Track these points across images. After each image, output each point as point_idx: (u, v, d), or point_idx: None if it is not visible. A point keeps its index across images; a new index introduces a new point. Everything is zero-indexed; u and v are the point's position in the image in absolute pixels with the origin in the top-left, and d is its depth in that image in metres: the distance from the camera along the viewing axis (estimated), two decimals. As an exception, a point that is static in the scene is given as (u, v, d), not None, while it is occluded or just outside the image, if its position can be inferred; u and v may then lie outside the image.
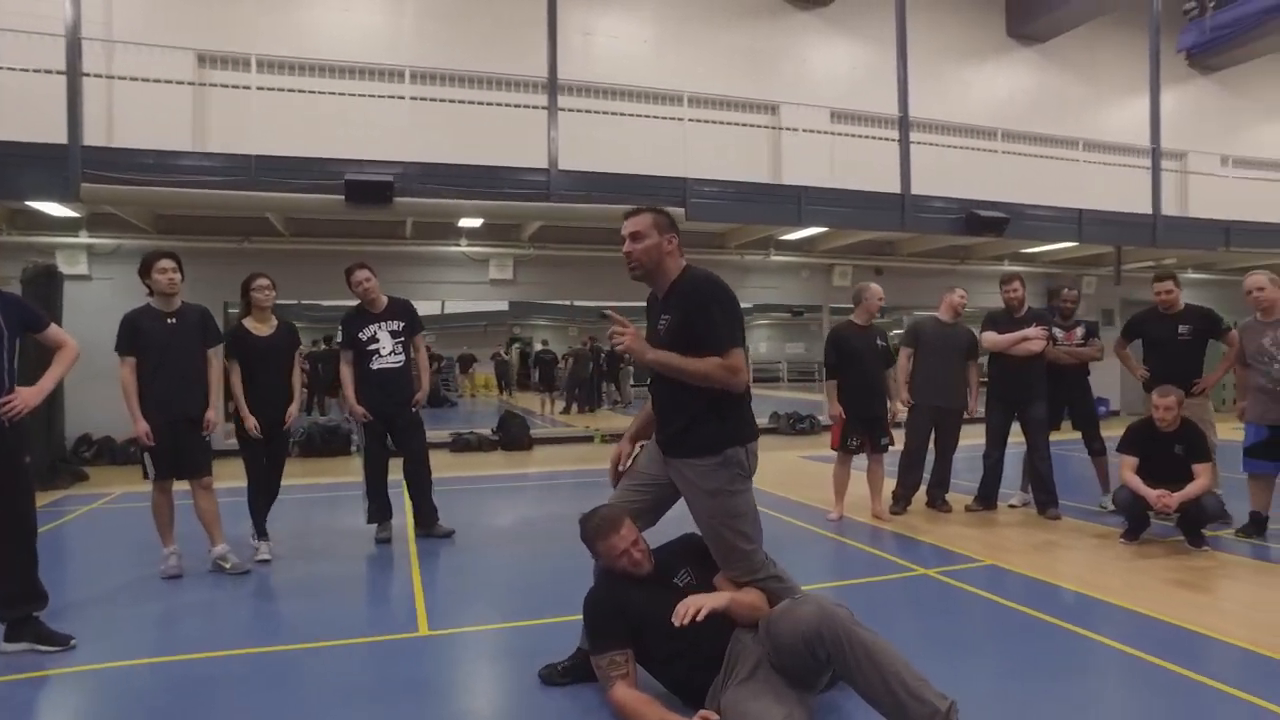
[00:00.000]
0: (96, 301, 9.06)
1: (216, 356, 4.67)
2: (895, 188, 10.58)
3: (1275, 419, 4.93)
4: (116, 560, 4.88)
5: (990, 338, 5.95)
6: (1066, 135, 12.62)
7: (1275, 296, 4.99)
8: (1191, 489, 4.64)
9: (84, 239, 9.36)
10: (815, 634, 2.25)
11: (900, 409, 5.94)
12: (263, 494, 4.88)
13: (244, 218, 9.43)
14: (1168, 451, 4.86)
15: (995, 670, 3.10)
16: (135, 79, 8.68)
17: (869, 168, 10.84)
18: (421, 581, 4.33)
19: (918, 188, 10.64)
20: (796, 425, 12.14)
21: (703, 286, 2.65)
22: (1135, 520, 4.98)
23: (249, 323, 4.89)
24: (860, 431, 5.78)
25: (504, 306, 13.14)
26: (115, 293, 9.38)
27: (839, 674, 2.33)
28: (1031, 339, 5.79)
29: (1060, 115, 13.86)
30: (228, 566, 4.49)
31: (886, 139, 11.27)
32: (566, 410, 16.55)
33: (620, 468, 2.96)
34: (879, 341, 5.83)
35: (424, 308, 14.04)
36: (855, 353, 5.75)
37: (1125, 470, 4.93)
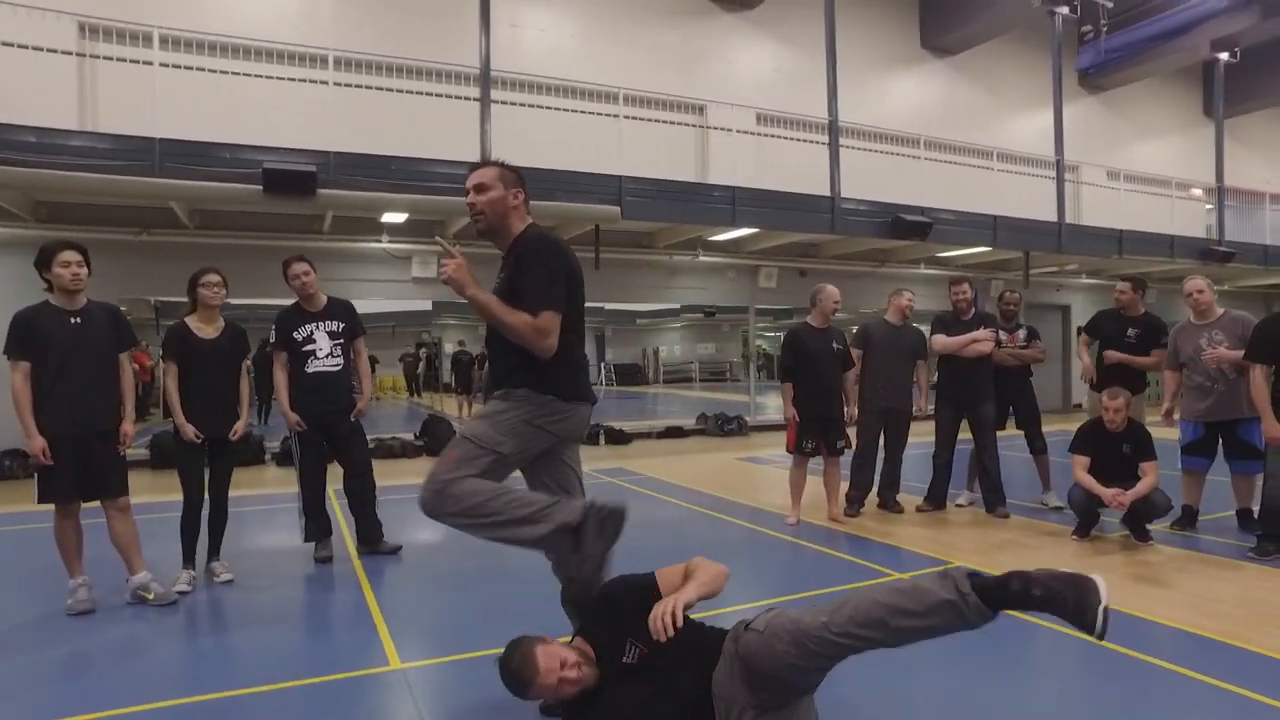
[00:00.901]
0: (-37, 297, 8.03)
1: (129, 361, 4.14)
2: (817, 190, 10.74)
3: (1208, 416, 5.19)
4: (6, 596, 4.24)
5: (941, 340, 6.04)
6: (976, 144, 13.18)
7: (1212, 299, 5.25)
8: (1142, 486, 4.80)
9: (-55, 227, 8.29)
10: (804, 656, 1.99)
11: (855, 413, 5.94)
12: (200, 514, 4.36)
13: (142, 207, 8.58)
14: (1116, 450, 5.02)
15: (972, 668, 3.05)
16: (6, 44, 7.70)
17: (792, 169, 10.96)
18: (379, 606, 3.94)
19: (843, 192, 10.83)
20: (725, 427, 12.15)
21: (536, 244, 2.57)
22: (1086, 518, 5.14)
23: (192, 322, 4.38)
24: (815, 434, 5.74)
25: (426, 306, 12.53)
26: (-15, 288, 8.37)
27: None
28: (981, 340, 5.91)
29: (967, 125, 14.49)
30: (150, 597, 3.98)
31: (813, 142, 11.45)
32: (486, 413, 16.01)
33: None
34: (835, 344, 5.81)
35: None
36: (811, 354, 5.71)
37: (1078, 469, 5.06)
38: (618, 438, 11.20)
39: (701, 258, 12.08)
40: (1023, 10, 13.20)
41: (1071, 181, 14.72)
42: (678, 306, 20.27)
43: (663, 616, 2.15)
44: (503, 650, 2.33)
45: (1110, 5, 12.72)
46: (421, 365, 23.60)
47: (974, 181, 12.80)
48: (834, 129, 10.85)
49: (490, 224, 2.62)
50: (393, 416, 16.49)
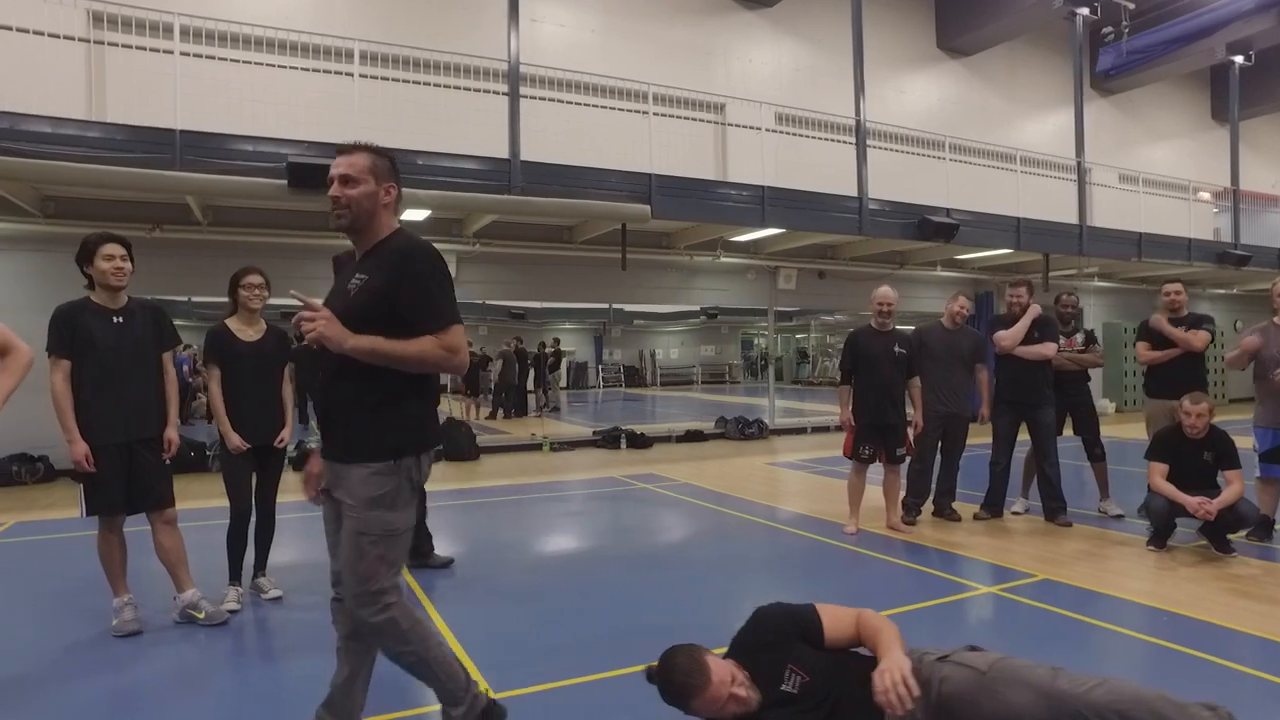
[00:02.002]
0: (-34, 295, 7.69)
1: (170, 363, 3.87)
2: (837, 189, 10.55)
3: None
4: (44, 616, 3.95)
5: (1004, 335, 5.81)
6: (998, 145, 13.06)
7: None
8: (1229, 495, 4.63)
9: (-51, 221, 7.93)
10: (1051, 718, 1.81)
11: (921, 422, 5.72)
12: (248, 526, 4.09)
13: (154, 203, 8.26)
14: (1196, 458, 4.84)
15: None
16: (11, 28, 7.34)
17: (811, 169, 10.77)
18: (448, 627, 3.68)
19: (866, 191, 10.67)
20: (745, 430, 11.92)
21: (420, 253, 2.21)
22: (1163, 527, 4.95)
23: (233, 324, 4.09)
24: (873, 440, 5.53)
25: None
26: (-10, 285, 8.03)
27: None
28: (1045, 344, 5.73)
29: (981, 126, 14.38)
30: (200, 617, 3.70)
31: (835, 140, 11.27)
32: (493, 415, 15.75)
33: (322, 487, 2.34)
34: (898, 348, 5.60)
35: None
36: (870, 357, 5.51)
37: (1155, 477, 4.87)
38: (638, 442, 10.95)
39: (723, 259, 11.86)
40: (1040, 12, 13.09)
41: (1085, 184, 14.63)
42: (695, 309, 20.05)
43: (896, 689, 1.95)
44: (659, 659, 2.21)
45: (1132, 6, 12.60)
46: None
47: (992, 183, 12.67)
48: (861, 129, 10.67)
49: (353, 223, 2.23)
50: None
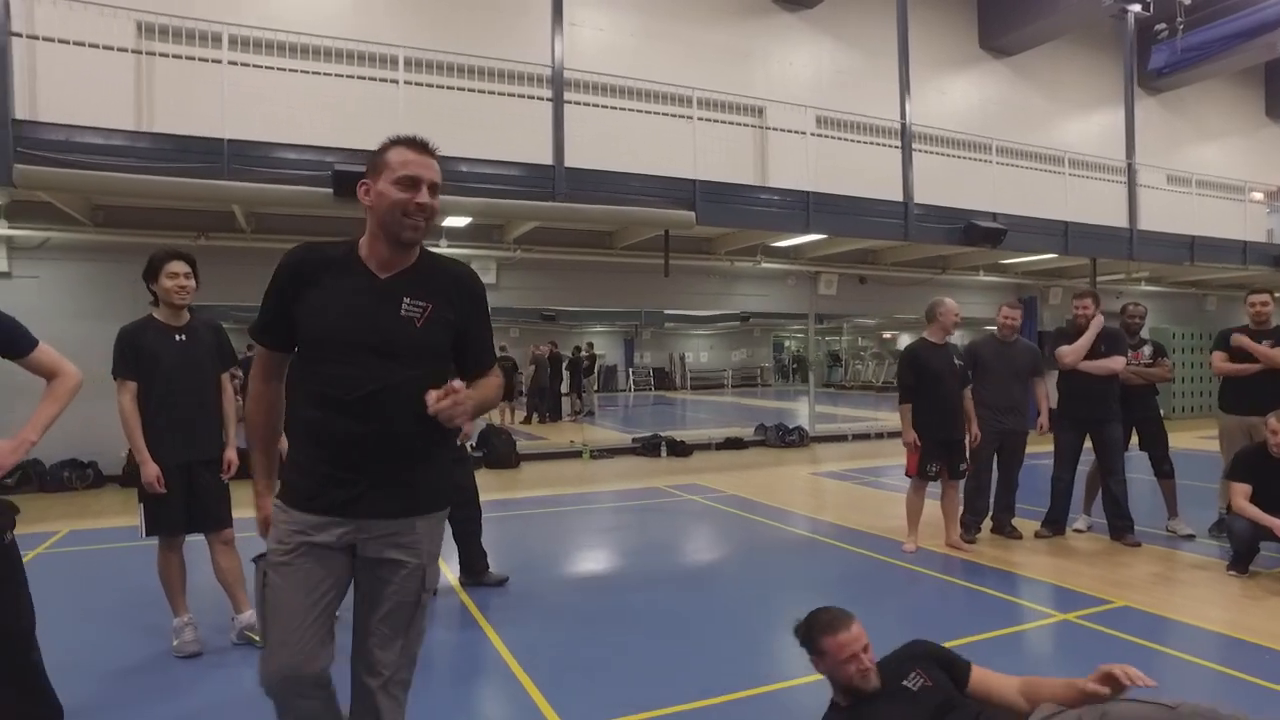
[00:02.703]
0: (18, 303, 7.62)
1: (230, 382, 3.83)
2: (880, 194, 10.34)
3: None
4: (107, 630, 3.93)
5: (1066, 351, 5.61)
6: (1036, 146, 12.74)
7: None
8: (1320, 519, 4.40)
9: (3, 230, 8.02)
10: None
11: (978, 433, 5.54)
12: None
13: (199, 211, 8.31)
14: (1282, 478, 4.62)
15: None
16: (67, 42, 7.41)
17: (853, 173, 10.56)
18: (509, 650, 3.59)
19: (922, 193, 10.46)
20: (786, 438, 11.75)
21: (477, 282, 2.03)
22: (1247, 550, 4.73)
23: None
24: (939, 457, 5.36)
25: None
26: (43, 293, 8.15)
27: None
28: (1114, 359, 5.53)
29: (1025, 126, 14.05)
30: (258, 639, 3.64)
31: (877, 144, 11.06)
32: (528, 420, 15.72)
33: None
34: (956, 360, 5.44)
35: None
36: (935, 373, 5.34)
37: (1238, 498, 4.66)
38: (679, 449, 10.83)
39: (763, 264, 11.70)
40: (1088, 9, 12.74)
41: (1144, 186, 14.25)
42: (736, 314, 19.89)
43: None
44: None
45: (1188, 2, 12.21)
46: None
47: (1038, 186, 12.36)
48: (906, 132, 10.46)
49: (424, 236, 1.92)
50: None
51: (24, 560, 2.55)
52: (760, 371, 31.21)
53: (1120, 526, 5.60)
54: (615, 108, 9.39)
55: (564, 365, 16.79)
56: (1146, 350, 6.07)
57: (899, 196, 10.40)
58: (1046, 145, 13.13)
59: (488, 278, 9.99)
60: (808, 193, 9.71)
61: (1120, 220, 12.73)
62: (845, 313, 13.59)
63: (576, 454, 10.70)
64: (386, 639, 1.95)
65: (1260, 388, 5.33)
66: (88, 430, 6.75)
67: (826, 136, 10.94)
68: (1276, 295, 5.73)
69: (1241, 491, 4.67)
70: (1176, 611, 4.09)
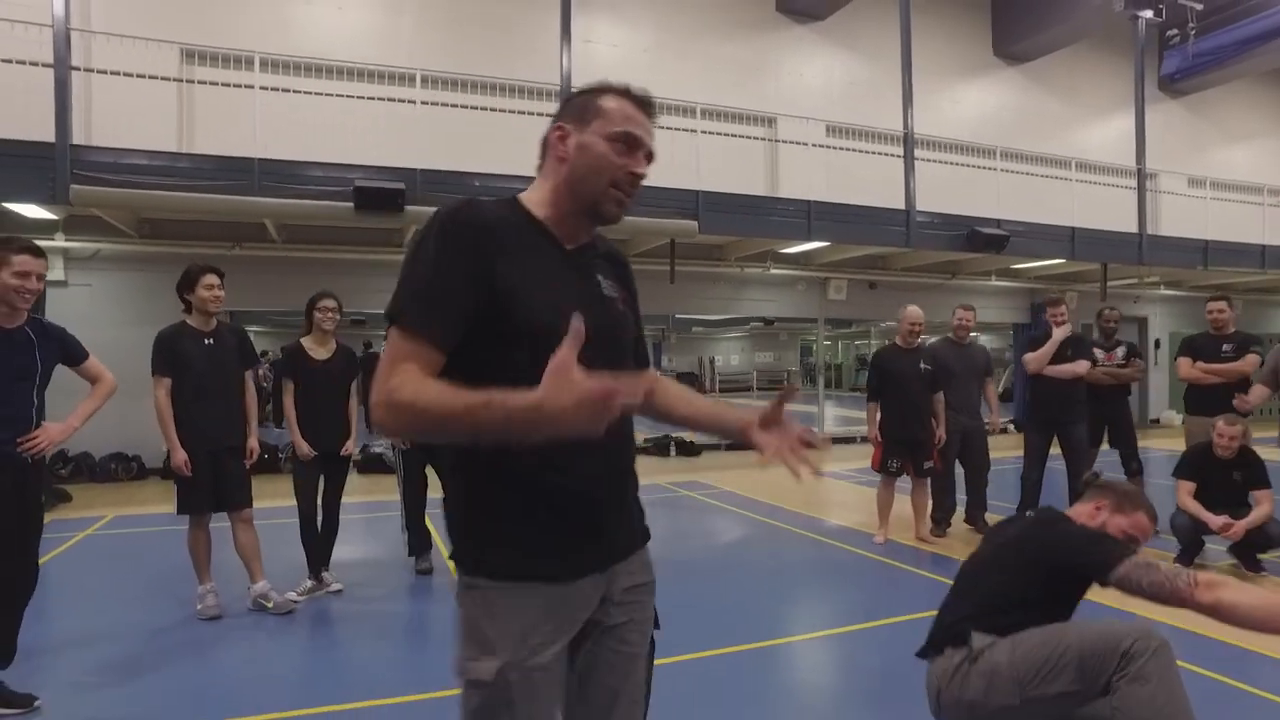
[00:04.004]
0: (74, 309, 8.48)
1: (251, 380, 4.36)
2: (891, 202, 10.63)
3: None
4: (135, 599, 4.49)
5: (1030, 358, 5.92)
6: (1050, 153, 12.87)
7: None
8: (1256, 515, 4.66)
9: (60, 242, 8.77)
10: None
11: (944, 435, 5.87)
12: (314, 526, 4.55)
13: (234, 223, 8.97)
14: (1226, 477, 4.88)
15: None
16: (119, 73, 8.15)
17: (864, 181, 10.87)
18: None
19: (916, 203, 10.71)
20: (793, 439, 12.06)
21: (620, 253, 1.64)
22: (1190, 545, 4.99)
23: (307, 343, 4.59)
24: (900, 455, 5.71)
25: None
26: (94, 300, 8.87)
27: None
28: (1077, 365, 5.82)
29: (1041, 133, 14.16)
30: (269, 605, 4.17)
31: (885, 154, 11.34)
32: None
33: None
34: (923, 365, 5.77)
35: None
36: (895, 375, 5.70)
37: (1182, 495, 4.93)
38: (687, 449, 11.23)
39: (772, 270, 12.06)
40: (1101, 15, 12.85)
41: (1150, 191, 14.27)
42: (747, 318, 20.19)
43: None
44: None
45: (1199, 8, 12.26)
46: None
47: (1049, 191, 12.50)
48: (909, 141, 10.73)
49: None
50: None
51: (73, 541, 3.10)
52: (787, 374, 31.40)
53: (1085, 523, 5.86)
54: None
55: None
56: (1120, 352, 6.34)
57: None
58: (1065, 151, 13.24)
59: (504, 284, 10.52)
60: (809, 202, 10.06)
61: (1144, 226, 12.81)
62: (855, 317, 13.83)
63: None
64: None
65: (1224, 390, 5.57)
66: (133, 427, 7.42)
67: (831, 148, 11.26)
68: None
69: (1186, 489, 4.94)
70: (1113, 599, 4.38)
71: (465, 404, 1.17)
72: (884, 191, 10.80)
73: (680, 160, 9.78)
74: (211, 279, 4.07)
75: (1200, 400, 5.78)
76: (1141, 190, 12.40)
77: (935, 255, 12.16)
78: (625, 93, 1.44)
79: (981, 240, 10.63)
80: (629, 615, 1.47)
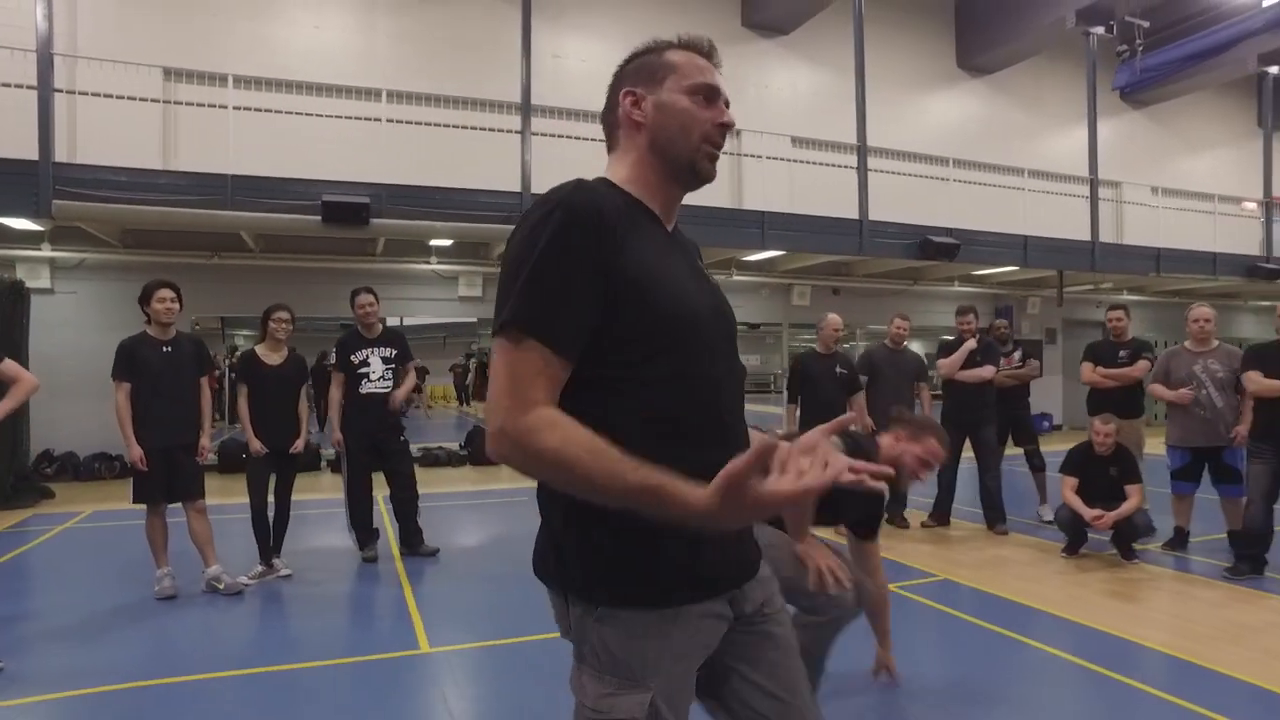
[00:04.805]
0: (60, 316, 8.98)
1: (208, 385, 4.81)
2: (854, 212, 11.08)
3: (1196, 443, 5.42)
4: (103, 583, 4.94)
5: (942, 362, 6.38)
6: (1013, 163, 13.32)
7: (1214, 330, 5.48)
8: (1124, 508, 5.09)
9: (47, 252, 9.23)
10: None
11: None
12: (265, 517, 5.00)
13: (214, 233, 9.43)
14: (1104, 473, 5.31)
15: (946, 676, 3.44)
16: (103, 95, 8.62)
17: (828, 191, 11.32)
18: (415, 599, 4.52)
19: (875, 213, 11.15)
20: (757, 440, 12.50)
21: None
22: (1074, 535, 5.43)
23: (261, 350, 5.05)
24: (817, 452, 6.15)
25: (474, 320, 13.19)
26: (79, 307, 9.32)
27: None
28: (982, 369, 6.28)
29: (1008, 143, 14.61)
30: (221, 587, 4.62)
31: (846, 166, 11.78)
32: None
33: None
34: (839, 368, 6.21)
35: (395, 319, 14.14)
36: (814, 377, 6.15)
37: (1066, 490, 5.36)
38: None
39: (736, 276, 12.51)
40: (1056, 31, 13.30)
41: (1112, 200, 14.71)
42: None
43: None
44: None
45: (1146, 25, 12.73)
46: (471, 375, 24.40)
47: (1014, 200, 12.93)
48: (863, 153, 11.18)
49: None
50: (441, 426, 17.29)
51: (52, 533, 3.54)
52: (773, 378, 31.82)
53: (992, 517, 6.33)
54: (581, 138, 10.24)
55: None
56: (1016, 355, 6.80)
57: (871, 214, 11.09)
58: (1031, 161, 13.69)
59: (474, 291, 10.99)
60: (764, 213, 10.51)
61: (1109, 234, 13.23)
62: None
63: (557, 452, 11.61)
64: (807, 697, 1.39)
65: (1119, 393, 6.03)
66: (116, 428, 7.84)
67: (791, 160, 11.72)
68: (1268, 303, 6.09)
69: (1069, 484, 5.37)
70: (987, 584, 4.83)
71: (627, 485, 1.04)
72: (851, 202, 11.22)
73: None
74: (165, 293, 4.53)
75: (1099, 402, 6.21)
76: (1094, 199, 12.83)
77: (896, 262, 12.60)
78: (689, 45, 1.35)
79: (933, 248, 11.08)
80: (771, 651, 1.36)
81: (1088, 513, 5.12)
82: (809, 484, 0.98)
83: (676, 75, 1.32)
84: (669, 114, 1.31)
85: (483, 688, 3.39)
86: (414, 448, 10.57)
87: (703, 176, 1.34)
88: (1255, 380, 4.79)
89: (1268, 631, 3.90)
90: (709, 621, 1.28)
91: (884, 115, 13.02)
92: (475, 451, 10.66)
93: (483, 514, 7.57)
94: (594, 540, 1.22)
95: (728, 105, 1.35)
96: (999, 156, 13.52)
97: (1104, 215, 13.95)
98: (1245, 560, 4.91)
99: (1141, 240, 13.90)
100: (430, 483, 8.94)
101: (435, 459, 10.51)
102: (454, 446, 11.02)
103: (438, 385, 24.32)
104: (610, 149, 1.37)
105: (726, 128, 1.34)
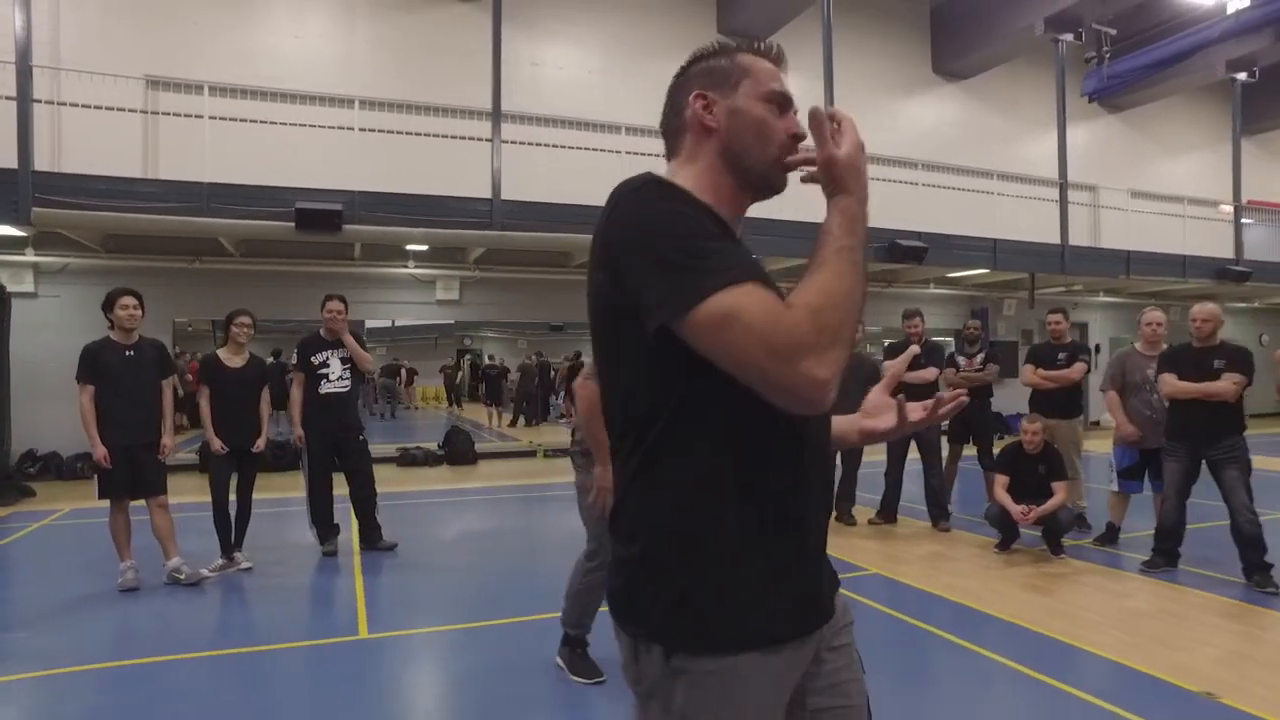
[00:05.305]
0: (43, 319, 9.21)
1: (169, 387, 5.05)
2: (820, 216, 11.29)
3: (1145, 444, 5.52)
4: (73, 575, 5.17)
5: (885, 365, 6.62)
6: (992, 167, 13.55)
7: (1165, 334, 5.70)
8: (1049, 505, 5.33)
9: (30, 257, 9.48)
10: None
11: None
12: (226, 512, 5.21)
13: (195, 239, 9.67)
14: (1033, 470, 5.54)
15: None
16: (84, 105, 8.87)
17: (801, 196, 11.39)
18: (364, 589, 4.75)
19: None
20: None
21: None
22: (1006, 531, 5.66)
23: (223, 353, 5.28)
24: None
25: (450, 322, 13.46)
26: (62, 311, 9.55)
27: None
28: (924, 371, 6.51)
29: (985, 147, 14.84)
30: (181, 578, 4.86)
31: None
32: (514, 423, 16.93)
33: None
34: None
35: (376, 321, 14.27)
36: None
37: (997, 488, 5.59)
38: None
39: (710, 279, 12.71)
40: (1027, 37, 13.54)
41: (1086, 205, 14.96)
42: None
43: None
44: None
45: (1114, 33, 12.98)
46: (461, 375, 24.55)
47: (989, 204, 13.16)
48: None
49: None
50: (423, 427, 17.52)
51: (28, 530, 3.77)
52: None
53: (935, 514, 6.55)
54: (552, 144, 10.44)
55: (550, 373, 17.97)
56: (979, 358, 7.02)
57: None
58: (1009, 164, 13.94)
59: (450, 294, 11.23)
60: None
61: (1085, 237, 13.45)
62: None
63: (533, 454, 11.85)
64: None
65: (1058, 394, 6.26)
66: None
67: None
68: (1243, 305, 6.38)
69: (1000, 482, 5.60)
70: (916, 579, 5.04)
71: (842, 246, 1.09)
72: (820, 206, 11.44)
73: (615, 178, 10.46)
74: (128, 300, 4.77)
75: (1039, 403, 6.45)
76: (1063, 202, 13.07)
77: (871, 264, 12.85)
78: (759, 50, 1.28)
79: (900, 251, 11.31)
80: (842, 660, 1.28)
81: (1015, 509, 5.35)
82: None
83: (752, 80, 1.24)
84: (744, 122, 1.23)
85: (411, 672, 3.62)
86: (393, 447, 10.93)
87: (775, 189, 1.29)
88: (1169, 383, 5.01)
89: (1157, 618, 4.14)
90: (799, 661, 1.18)
91: (861, 120, 13.00)
92: (452, 451, 10.89)
93: (450, 511, 7.79)
94: (696, 584, 1.10)
95: (791, 107, 1.28)
96: (977, 160, 13.75)
97: (1080, 218, 14.19)
98: (1160, 554, 5.13)
99: (1119, 243, 14.14)
100: (406, 481, 9.20)
101: (413, 459, 10.74)
102: (432, 446, 11.25)
103: (429, 386, 24.46)
104: (672, 154, 1.29)
105: (800, 139, 1.26)
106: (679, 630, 1.10)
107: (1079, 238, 13.73)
